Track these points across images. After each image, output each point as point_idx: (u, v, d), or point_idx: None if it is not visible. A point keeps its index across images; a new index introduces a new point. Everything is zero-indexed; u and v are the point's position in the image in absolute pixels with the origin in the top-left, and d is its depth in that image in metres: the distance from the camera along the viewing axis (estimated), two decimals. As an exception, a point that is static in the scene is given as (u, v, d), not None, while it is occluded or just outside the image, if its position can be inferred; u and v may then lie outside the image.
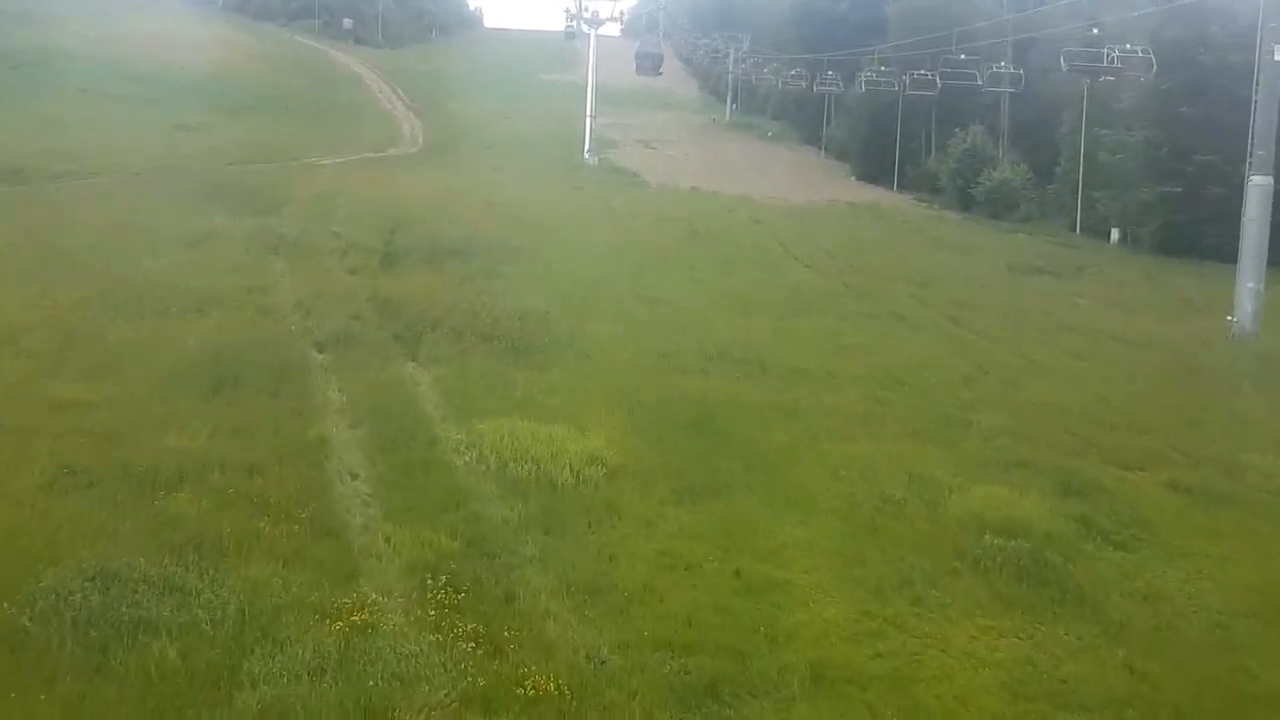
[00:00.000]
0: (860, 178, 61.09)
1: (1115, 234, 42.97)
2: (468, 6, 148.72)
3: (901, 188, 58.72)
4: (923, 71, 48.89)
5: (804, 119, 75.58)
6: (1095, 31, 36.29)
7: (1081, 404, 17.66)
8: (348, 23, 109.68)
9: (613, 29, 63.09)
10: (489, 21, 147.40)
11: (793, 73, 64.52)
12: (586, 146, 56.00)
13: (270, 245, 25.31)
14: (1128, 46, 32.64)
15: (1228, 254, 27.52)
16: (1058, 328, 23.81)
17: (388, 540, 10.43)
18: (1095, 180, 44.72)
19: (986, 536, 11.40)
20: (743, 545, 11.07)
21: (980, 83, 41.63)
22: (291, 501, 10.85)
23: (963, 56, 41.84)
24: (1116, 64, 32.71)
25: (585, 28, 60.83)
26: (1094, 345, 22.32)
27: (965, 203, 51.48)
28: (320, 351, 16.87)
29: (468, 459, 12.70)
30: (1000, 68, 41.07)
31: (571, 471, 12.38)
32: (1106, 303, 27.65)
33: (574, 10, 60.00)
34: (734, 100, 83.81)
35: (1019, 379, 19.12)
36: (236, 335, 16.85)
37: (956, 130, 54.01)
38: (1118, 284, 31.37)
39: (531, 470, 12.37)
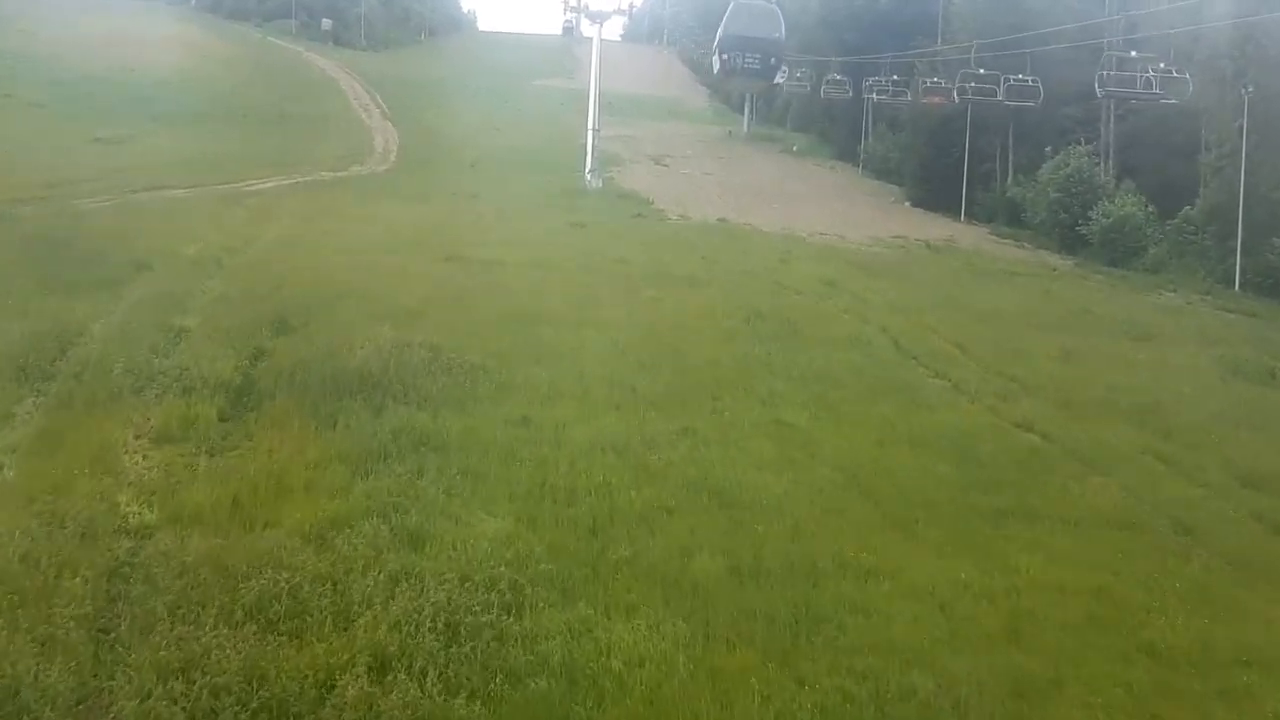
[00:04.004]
0: (916, 204, 51.24)
1: (1296, 294, 32.26)
2: (460, 8, 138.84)
3: (970, 217, 48.49)
4: (1020, 76, 37.90)
5: (836, 132, 67.02)
6: None
7: None
8: (326, 23, 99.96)
9: (615, 27, 53.85)
10: (483, 24, 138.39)
11: (836, 78, 53.74)
12: (588, 166, 45.62)
13: (32, 379, 13.95)
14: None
15: None
16: None
17: None
18: (1255, 220, 33.88)
19: None
20: None
21: (1156, 89, 30.17)
22: None
23: (1133, 54, 30.33)
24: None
25: (586, 24, 51.27)
26: None
27: (1068, 242, 40.73)
28: None
29: None
30: (1161, 70, 29.49)
31: None
32: None
33: (574, 1, 50.28)
34: (751, 110, 73.29)
35: None
36: None
37: (1048, 150, 43.46)
38: None
39: None
